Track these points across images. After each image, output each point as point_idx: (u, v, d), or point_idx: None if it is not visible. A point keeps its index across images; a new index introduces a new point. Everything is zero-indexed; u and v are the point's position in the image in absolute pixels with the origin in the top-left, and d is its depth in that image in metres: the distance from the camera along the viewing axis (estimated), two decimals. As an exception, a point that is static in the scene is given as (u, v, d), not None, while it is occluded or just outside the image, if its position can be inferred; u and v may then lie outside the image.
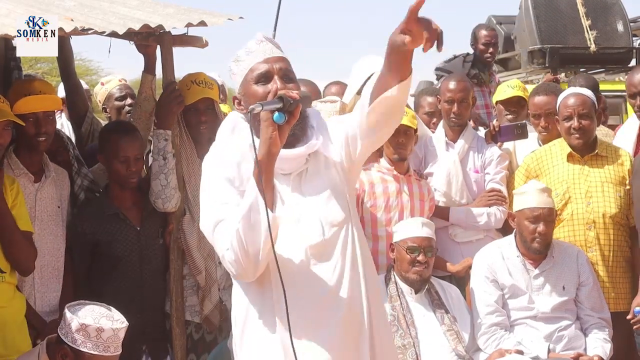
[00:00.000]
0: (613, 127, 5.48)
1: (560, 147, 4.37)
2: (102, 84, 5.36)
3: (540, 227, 3.99)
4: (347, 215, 2.54)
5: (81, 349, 3.05)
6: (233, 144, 2.51)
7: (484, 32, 6.76)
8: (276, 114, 2.25)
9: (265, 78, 2.46)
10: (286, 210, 2.45)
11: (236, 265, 2.35)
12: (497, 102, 5.18)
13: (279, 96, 2.29)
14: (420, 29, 2.15)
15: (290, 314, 2.36)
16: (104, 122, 4.89)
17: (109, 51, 4.06)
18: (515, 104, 5.03)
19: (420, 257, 3.95)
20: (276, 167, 2.37)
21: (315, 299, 2.44)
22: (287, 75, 2.48)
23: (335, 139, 2.55)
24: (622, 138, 4.70)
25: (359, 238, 2.57)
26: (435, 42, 2.16)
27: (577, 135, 4.25)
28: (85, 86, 5.76)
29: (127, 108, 5.07)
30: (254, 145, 2.27)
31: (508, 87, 5.16)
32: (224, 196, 2.41)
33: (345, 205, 2.54)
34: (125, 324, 3.14)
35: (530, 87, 5.34)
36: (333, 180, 2.54)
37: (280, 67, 2.47)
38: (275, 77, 2.45)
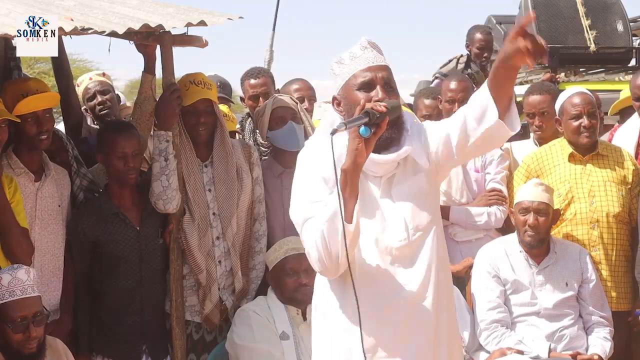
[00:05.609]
0: (612, 127, 5.47)
1: (560, 147, 4.38)
2: (78, 85, 5.20)
3: (530, 219, 4.02)
4: (433, 219, 2.64)
5: None
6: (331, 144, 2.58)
7: (479, 36, 6.73)
8: (362, 127, 2.37)
9: (368, 86, 2.56)
10: (375, 211, 2.57)
11: (319, 263, 2.49)
12: None
13: (365, 111, 2.39)
14: (527, 43, 2.27)
15: (370, 315, 2.52)
16: None
17: (109, 50, 4.04)
18: None
19: None
20: (368, 169, 2.55)
21: (397, 300, 2.56)
22: (389, 84, 2.57)
23: (428, 145, 2.62)
24: (623, 138, 4.70)
25: (442, 243, 2.69)
26: (541, 55, 2.29)
27: (586, 134, 4.26)
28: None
29: (97, 107, 4.99)
30: (335, 166, 2.40)
31: None
32: (316, 194, 2.53)
33: (432, 210, 2.65)
34: (23, 267, 3.30)
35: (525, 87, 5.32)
36: (421, 186, 2.63)
37: (382, 76, 2.57)
38: (378, 87, 2.55)
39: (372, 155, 2.49)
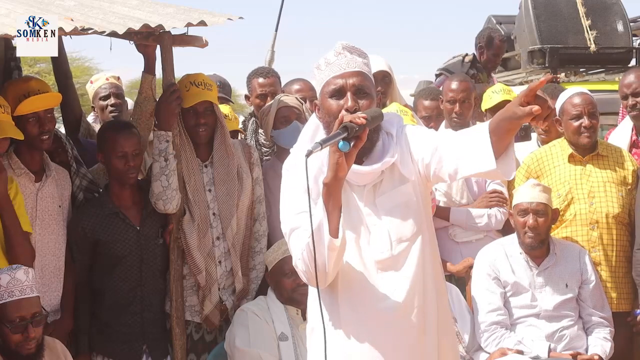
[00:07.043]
0: (612, 127, 5.46)
1: (560, 147, 4.38)
2: (91, 82, 5.31)
3: (530, 220, 4.02)
4: (419, 229, 2.59)
5: None
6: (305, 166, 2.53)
7: (498, 42, 6.66)
8: (341, 142, 2.29)
9: (338, 94, 2.51)
10: (359, 221, 2.54)
11: (307, 274, 2.48)
12: (485, 111, 5.15)
13: (343, 125, 2.31)
14: (536, 103, 2.25)
15: (354, 324, 2.54)
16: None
17: (110, 49, 4.04)
18: None
19: None
20: (351, 179, 2.51)
21: (381, 310, 2.54)
22: (362, 91, 2.51)
23: (414, 154, 2.57)
24: (616, 139, 4.71)
25: (431, 250, 2.64)
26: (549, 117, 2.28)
27: (587, 134, 4.27)
28: None
29: (109, 108, 5.05)
30: (308, 186, 2.32)
31: (493, 92, 5.14)
32: (301, 205, 2.48)
33: (419, 219, 2.59)
34: (22, 267, 3.27)
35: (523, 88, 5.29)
36: (407, 195, 2.58)
37: (353, 82, 2.50)
38: (348, 94, 2.49)
39: (354, 166, 2.44)
